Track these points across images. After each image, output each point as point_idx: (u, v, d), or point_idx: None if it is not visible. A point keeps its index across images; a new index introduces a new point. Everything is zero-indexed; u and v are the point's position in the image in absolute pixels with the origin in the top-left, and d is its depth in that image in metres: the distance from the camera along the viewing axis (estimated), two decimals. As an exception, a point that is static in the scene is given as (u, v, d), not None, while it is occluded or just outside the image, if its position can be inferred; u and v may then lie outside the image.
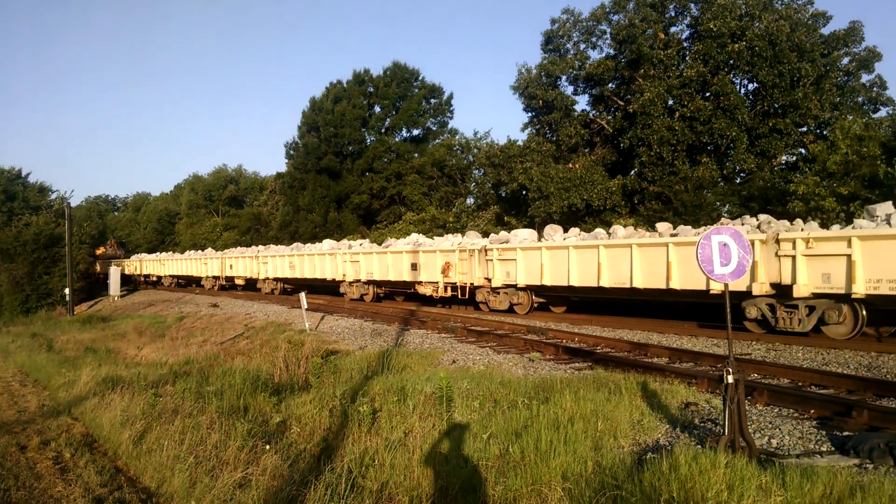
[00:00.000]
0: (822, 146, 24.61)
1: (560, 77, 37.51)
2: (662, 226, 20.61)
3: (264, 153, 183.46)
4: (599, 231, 22.03)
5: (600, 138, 37.15)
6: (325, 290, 34.61)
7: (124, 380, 13.92)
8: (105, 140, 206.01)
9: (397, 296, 30.31)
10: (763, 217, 17.36)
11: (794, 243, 14.70)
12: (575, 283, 19.79)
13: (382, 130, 58.09)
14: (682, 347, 13.75)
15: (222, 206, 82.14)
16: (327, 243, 36.27)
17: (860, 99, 31.33)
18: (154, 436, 9.24)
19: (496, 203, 42.22)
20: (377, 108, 58.19)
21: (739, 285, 15.28)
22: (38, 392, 15.79)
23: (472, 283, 24.07)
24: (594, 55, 36.74)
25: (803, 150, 30.58)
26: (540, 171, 33.59)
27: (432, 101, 59.10)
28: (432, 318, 20.92)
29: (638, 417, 7.89)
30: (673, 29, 35.21)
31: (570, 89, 38.21)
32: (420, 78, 58.82)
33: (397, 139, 58.36)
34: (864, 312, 14.03)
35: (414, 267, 26.53)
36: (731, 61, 30.57)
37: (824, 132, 29.28)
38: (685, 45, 34.35)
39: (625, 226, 23.23)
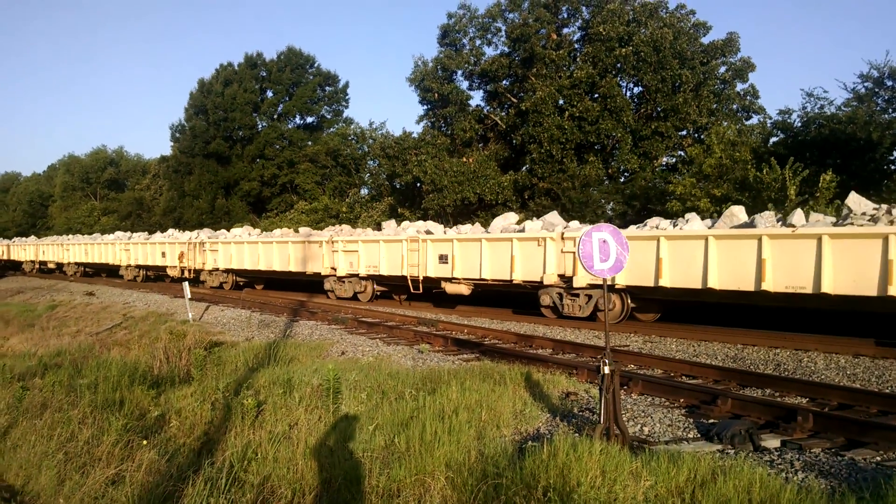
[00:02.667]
0: (698, 150, 26.00)
1: (456, 71, 37.91)
2: (304, 230, 30.19)
3: (148, 135, 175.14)
4: (286, 231, 31.71)
5: (494, 134, 37.80)
6: (112, 273, 41.81)
7: (-13, 372, 12.98)
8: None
9: (166, 277, 36.75)
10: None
11: (333, 243, 24.15)
12: (248, 267, 28.94)
13: (275, 116, 56.77)
14: (565, 339, 14.24)
15: (101, 190, 77.77)
16: (115, 235, 45.01)
17: (734, 106, 33.33)
18: (20, 431, 8.68)
19: (390, 194, 42.18)
20: (269, 94, 56.84)
21: (319, 268, 24.89)
22: None
23: (195, 268, 32.35)
24: (489, 52, 37.39)
25: (682, 153, 32.24)
26: (434, 164, 33.84)
27: (327, 88, 58.29)
28: (322, 309, 20.71)
29: (521, 407, 8.10)
30: (565, 30, 36.28)
31: (465, 84, 38.73)
32: (315, 65, 57.93)
33: (290, 126, 57.18)
34: (379, 285, 23.57)
35: (163, 255, 35.00)
36: (619, 65, 31.81)
37: (701, 136, 30.96)
38: (576, 46, 35.44)
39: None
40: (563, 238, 17.05)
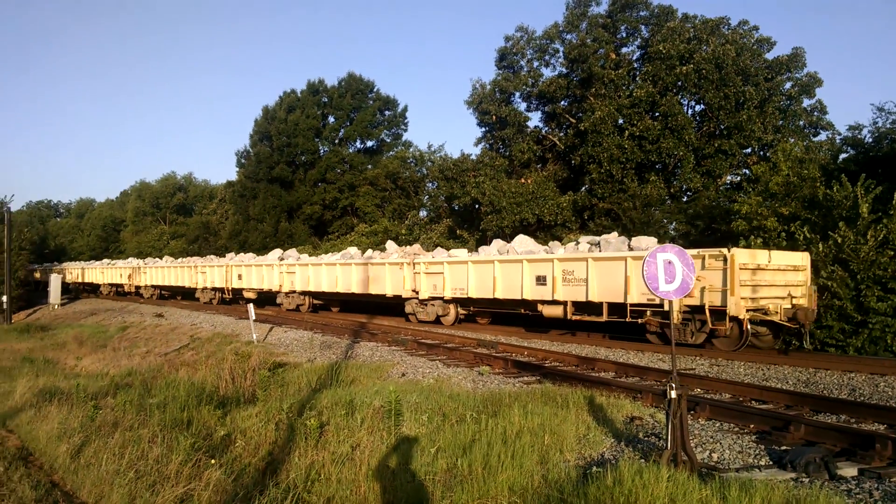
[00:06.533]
0: (764, 167, 25.26)
1: (513, 93, 37.94)
2: (202, 258, 44.27)
3: (215, 161, 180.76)
4: (187, 259, 46.46)
5: (552, 154, 37.63)
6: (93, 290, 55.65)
7: (63, 391, 13.50)
8: (48, 143, 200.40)
9: (127, 293, 49.06)
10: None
11: (196, 267, 40.77)
12: (162, 283, 44.05)
13: (336, 141, 57.79)
14: (628, 362, 13.97)
15: (170, 214, 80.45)
16: (101, 262, 59.96)
17: (801, 123, 32.34)
18: (92, 449, 8.97)
19: (449, 216, 42.32)
20: (331, 119, 57.89)
21: (191, 283, 40.86)
22: (-29, 404, 15.15)
23: (138, 284, 47.00)
24: (547, 73, 37.30)
25: (747, 171, 31.40)
26: (492, 186, 33.84)
27: (387, 112, 59.05)
28: (382, 330, 20.84)
29: (584, 431, 7.97)
30: (624, 50, 35.96)
31: (523, 106, 38.68)
32: (375, 89, 58.75)
33: (351, 150, 58.09)
34: (223, 294, 37.85)
35: (121, 276, 49.81)
36: (680, 83, 31.34)
37: (767, 154, 30.13)
38: (635, 65, 35.10)
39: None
40: (282, 263, 31.53)
